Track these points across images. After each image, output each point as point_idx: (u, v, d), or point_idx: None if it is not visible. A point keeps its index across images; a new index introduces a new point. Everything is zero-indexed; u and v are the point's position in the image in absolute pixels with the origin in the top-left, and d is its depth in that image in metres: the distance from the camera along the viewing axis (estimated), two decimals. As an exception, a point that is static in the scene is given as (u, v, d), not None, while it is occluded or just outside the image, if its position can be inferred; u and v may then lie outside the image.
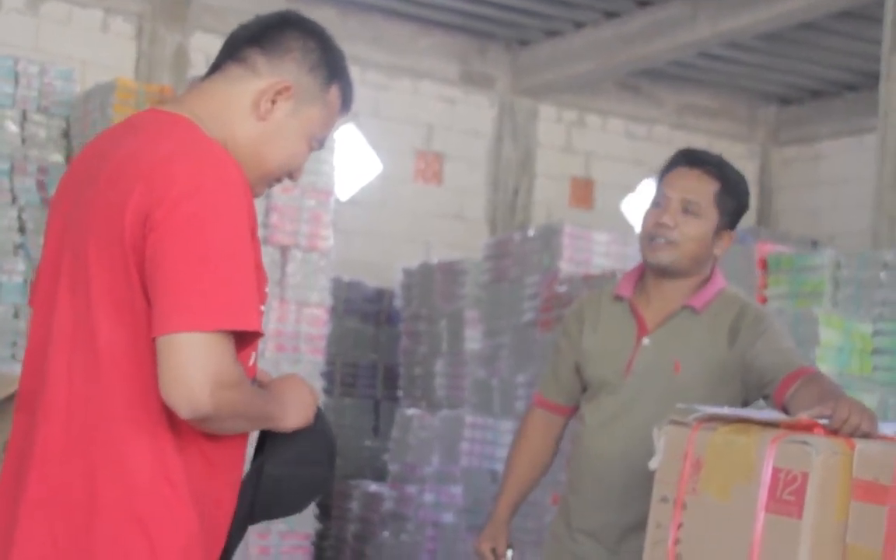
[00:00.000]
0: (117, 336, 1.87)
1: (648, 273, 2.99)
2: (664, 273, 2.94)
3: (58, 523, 1.89)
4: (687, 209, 2.89)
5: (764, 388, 2.79)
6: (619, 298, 3.03)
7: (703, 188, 2.91)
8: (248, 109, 2.02)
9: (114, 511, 1.87)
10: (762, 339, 2.82)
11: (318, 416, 2.11)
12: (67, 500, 1.89)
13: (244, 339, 1.90)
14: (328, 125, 2.12)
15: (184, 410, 1.82)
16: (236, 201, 1.88)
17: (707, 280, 2.98)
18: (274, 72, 2.03)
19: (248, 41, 2.05)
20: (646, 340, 2.94)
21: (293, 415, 2.04)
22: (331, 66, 2.09)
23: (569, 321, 3.13)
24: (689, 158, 2.97)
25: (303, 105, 2.05)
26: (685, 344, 2.91)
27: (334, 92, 2.10)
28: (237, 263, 1.85)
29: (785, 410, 2.66)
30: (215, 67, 2.08)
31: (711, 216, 2.91)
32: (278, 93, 2.03)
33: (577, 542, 3.02)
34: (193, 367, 1.80)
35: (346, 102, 2.14)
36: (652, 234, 2.92)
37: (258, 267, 1.94)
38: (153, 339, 1.83)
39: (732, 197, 2.94)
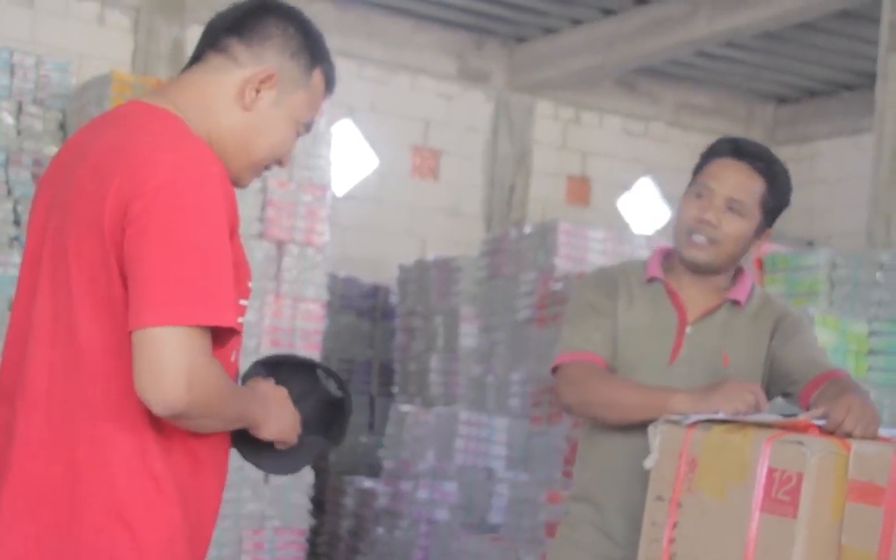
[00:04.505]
0: (97, 329, 1.87)
1: (680, 263, 2.84)
2: (697, 270, 2.82)
3: (40, 517, 1.88)
4: (731, 207, 2.73)
5: (789, 386, 2.75)
6: (651, 280, 2.85)
7: (750, 186, 2.75)
8: (232, 100, 2.01)
9: (96, 505, 1.86)
10: (795, 338, 2.78)
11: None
12: (49, 493, 1.88)
13: (222, 336, 1.89)
14: (314, 109, 2.10)
15: (157, 406, 1.81)
16: (213, 197, 1.87)
17: (739, 269, 2.89)
18: (256, 60, 2.02)
19: (227, 30, 2.03)
20: (689, 329, 2.81)
21: (275, 426, 2.03)
22: (312, 49, 2.07)
23: (603, 284, 2.88)
24: (737, 150, 2.77)
25: (287, 92, 2.04)
26: (731, 337, 2.81)
27: (317, 75, 2.08)
28: (212, 259, 1.84)
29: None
30: (196, 58, 2.06)
31: (755, 216, 2.77)
32: (262, 81, 2.01)
33: (610, 521, 2.81)
34: (167, 362, 1.78)
35: (329, 84, 2.12)
36: (692, 229, 2.75)
37: (240, 262, 1.94)
38: (129, 333, 1.83)
39: (777, 197, 2.80)
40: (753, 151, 2.79)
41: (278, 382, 2.11)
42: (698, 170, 2.82)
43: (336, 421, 2.17)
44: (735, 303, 2.84)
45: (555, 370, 2.84)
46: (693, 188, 2.79)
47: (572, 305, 2.91)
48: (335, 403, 2.18)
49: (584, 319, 2.84)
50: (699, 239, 2.76)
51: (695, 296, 2.84)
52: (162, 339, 1.79)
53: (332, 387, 2.20)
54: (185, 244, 1.82)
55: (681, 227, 2.79)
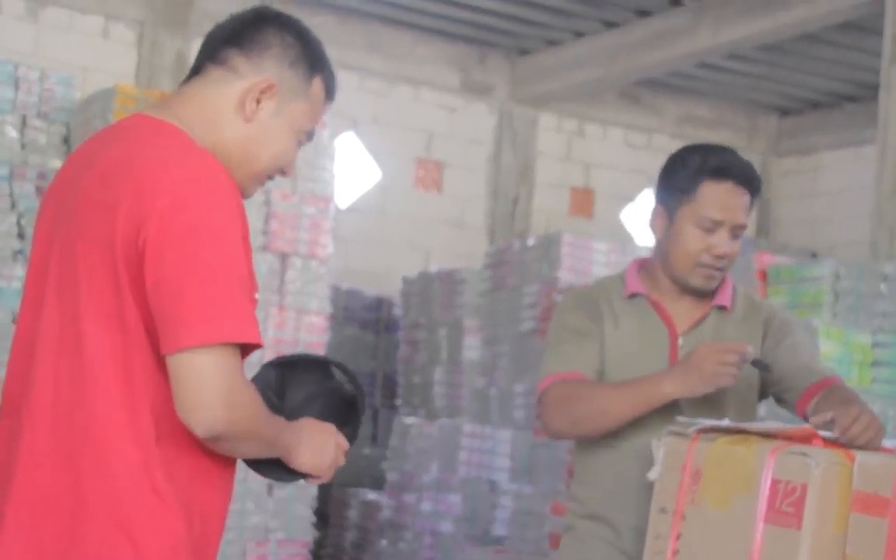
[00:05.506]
0: (104, 342, 1.87)
1: (666, 277, 2.82)
2: (698, 293, 2.81)
3: (43, 528, 1.88)
4: (735, 234, 2.74)
5: (784, 393, 2.74)
6: (633, 295, 2.83)
7: (747, 206, 2.75)
8: (233, 111, 2.02)
9: (99, 516, 1.87)
10: (786, 342, 2.77)
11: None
12: (53, 504, 1.89)
13: (242, 352, 1.90)
14: (314, 118, 2.10)
15: (199, 427, 1.83)
16: (227, 210, 1.88)
17: None
18: (255, 71, 2.02)
19: (225, 42, 2.04)
20: (681, 341, 2.79)
21: (310, 457, 2.03)
22: (311, 58, 2.07)
23: (583, 306, 2.83)
24: (738, 176, 2.73)
25: (287, 101, 2.04)
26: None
27: (317, 84, 2.09)
28: (234, 276, 1.86)
29: (806, 420, 2.62)
30: (195, 70, 2.07)
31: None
32: (262, 92, 2.02)
33: (626, 539, 2.77)
34: (207, 382, 1.81)
35: (329, 92, 2.12)
36: (702, 263, 2.74)
37: (250, 274, 1.94)
38: (163, 357, 1.84)
39: (755, 201, 2.80)
40: (745, 170, 2.76)
41: (293, 383, 2.11)
42: (689, 189, 2.74)
43: (350, 420, 2.15)
44: (722, 308, 2.84)
45: (539, 401, 2.81)
46: (691, 217, 2.74)
47: (550, 331, 2.88)
48: (348, 400, 2.17)
49: (561, 342, 2.81)
50: (711, 272, 2.76)
51: (681, 307, 2.83)
52: (200, 360, 1.81)
53: (346, 383, 2.17)
54: (206, 263, 1.83)
55: (687, 260, 2.76)
